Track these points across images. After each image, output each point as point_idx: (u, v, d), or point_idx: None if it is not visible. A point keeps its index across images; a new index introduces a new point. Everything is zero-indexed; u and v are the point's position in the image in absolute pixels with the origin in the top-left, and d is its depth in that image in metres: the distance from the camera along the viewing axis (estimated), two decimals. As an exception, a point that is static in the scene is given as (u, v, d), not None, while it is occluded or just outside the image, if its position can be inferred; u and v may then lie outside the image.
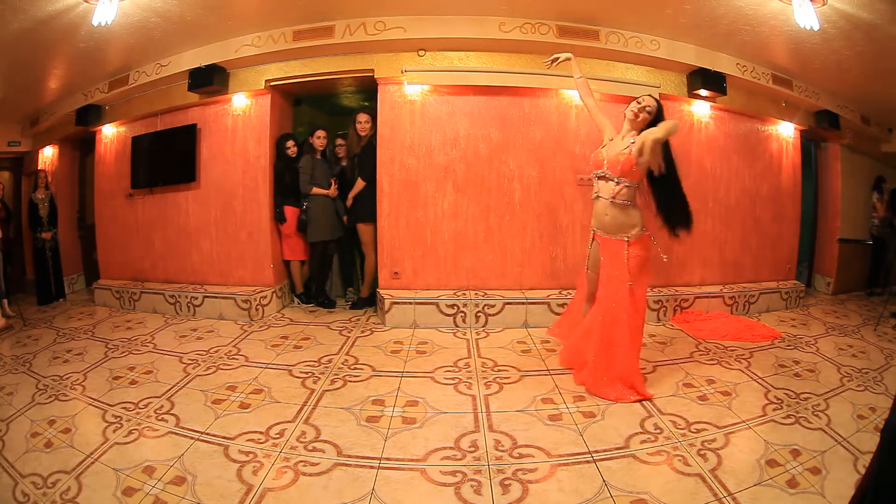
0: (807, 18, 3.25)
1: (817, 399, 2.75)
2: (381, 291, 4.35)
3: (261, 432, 2.41)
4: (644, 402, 2.70)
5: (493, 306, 4.15)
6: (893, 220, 5.91)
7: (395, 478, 2.05)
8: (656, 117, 2.74)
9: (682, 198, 2.80)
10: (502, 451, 2.24)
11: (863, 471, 1.96)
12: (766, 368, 3.22)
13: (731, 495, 1.88)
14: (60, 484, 2.00)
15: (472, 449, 2.26)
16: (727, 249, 4.89)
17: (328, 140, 4.84)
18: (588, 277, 3.04)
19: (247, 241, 4.73)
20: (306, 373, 3.16)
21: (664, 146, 2.62)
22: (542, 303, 4.19)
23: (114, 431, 2.43)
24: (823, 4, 3.29)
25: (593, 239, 2.94)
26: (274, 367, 3.28)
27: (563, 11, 3.90)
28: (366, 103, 5.01)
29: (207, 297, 4.54)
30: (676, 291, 4.53)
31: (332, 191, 4.65)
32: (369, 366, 3.28)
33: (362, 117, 4.53)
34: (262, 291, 4.54)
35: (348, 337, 3.90)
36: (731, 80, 4.49)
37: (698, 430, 2.39)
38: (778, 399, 2.75)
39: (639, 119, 2.72)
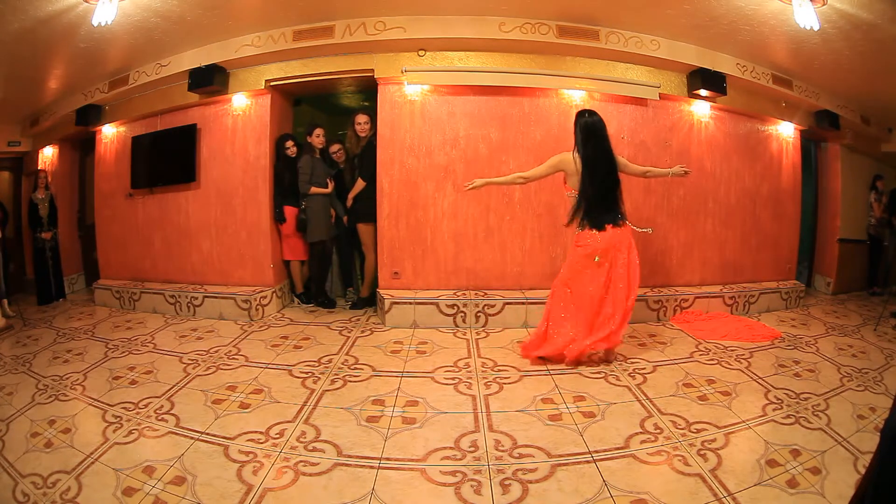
0: (807, 18, 3.25)
1: (817, 399, 2.75)
2: (381, 291, 4.35)
3: (261, 432, 2.41)
4: (644, 401, 2.71)
5: (493, 306, 4.15)
6: (892, 219, 5.92)
7: (395, 478, 2.05)
8: None
9: None
10: (502, 451, 2.24)
11: (863, 471, 1.96)
12: (766, 368, 3.22)
13: (731, 495, 1.88)
14: (60, 484, 2.00)
15: (472, 449, 2.26)
16: (727, 249, 4.89)
17: (326, 140, 4.84)
18: None
19: (247, 241, 4.73)
20: (306, 373, 3.16)
21: None
22: (543, 303, 4.13)
23: (114, 431, 2.43)
24: (823, 4, 3.29)
25: None
26: (274, 367, 3.28)
27: (563, 11, 3.90)
28: (366, 103, 5.01)
29: (207, 297, 4.54)
30: (676, 291, 4.53)
31: (329, 188, 4.66)
32: (369, 366, 3.28)
33: (361, 118, 4.53)
34: (262, 291, 4.54)
35: (348, 337, 3.90)
36: (731, 80, 4.49)
37: (698, 430, 2.40)
38: (778, 399, 2.75)
39: None
